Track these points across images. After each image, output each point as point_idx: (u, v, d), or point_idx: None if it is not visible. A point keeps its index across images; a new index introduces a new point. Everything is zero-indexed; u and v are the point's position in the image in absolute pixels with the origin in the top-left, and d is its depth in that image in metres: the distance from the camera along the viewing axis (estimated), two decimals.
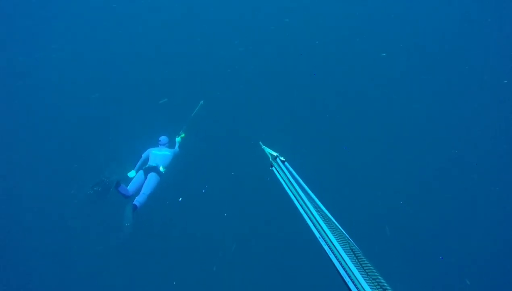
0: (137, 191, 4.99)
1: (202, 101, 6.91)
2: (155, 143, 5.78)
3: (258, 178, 5.45)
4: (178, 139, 6.11)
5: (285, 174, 2.58)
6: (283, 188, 2.42)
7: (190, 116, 6.60)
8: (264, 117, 7.05)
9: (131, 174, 5.25)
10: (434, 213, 5.83)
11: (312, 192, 2.24)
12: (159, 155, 5.47)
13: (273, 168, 2.82)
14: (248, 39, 8.97)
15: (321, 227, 1.50)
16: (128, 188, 4.90)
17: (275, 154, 2.95)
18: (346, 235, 1.43)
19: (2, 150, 6.63)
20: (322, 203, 2.12)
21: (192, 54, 8.79)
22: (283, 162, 2.81)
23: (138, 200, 4.81)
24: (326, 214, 1.72)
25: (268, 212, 5.45)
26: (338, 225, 1.55)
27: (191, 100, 7.03)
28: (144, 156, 5.57)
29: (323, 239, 1.43)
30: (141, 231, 4.88)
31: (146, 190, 4.95)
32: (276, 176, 2.66)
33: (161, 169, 5.26)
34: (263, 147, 3.25)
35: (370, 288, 1.12)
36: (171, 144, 5.93)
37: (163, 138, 5.81)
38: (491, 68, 8.03)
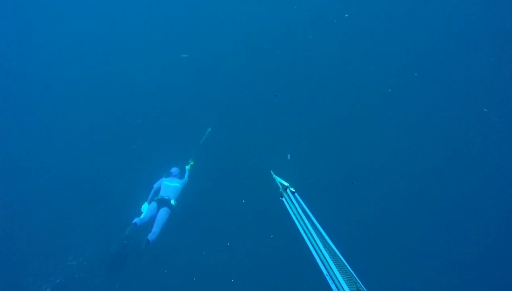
0: (150, 220, 5.08)
1: (210, 129, 7.04)
2: (166, 175, 5.89)
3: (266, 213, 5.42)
4: (187, 167, 6.21)
5: (294, 205, 2.59)
6: (292, 220, 2.41)
7: (199, 144, 6.71)
8: (275, 145, 6.95)
9: (144, 207, 5.32)
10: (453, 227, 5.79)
11: (321, 225, 2.23)
12: (171, 187, 5.57)
13: (283, 199, 2.83)
14: (257, 60, 8.74)
15: (329, 265, 1.50)
16: (141, 217, 5.04)
17: (285, 184, 2.96)
18: (354, 274, 1.41)
19: None
20: (330, 236, 2.10)
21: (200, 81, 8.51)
22: (293, 193, 2.81)
23: (150, 237, 4.89)
24: (334, 251, 1.72)
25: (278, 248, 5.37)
26: (345, 263, 1.54)
27: (199, 127, 7.08)
28: (155, 186, 5.69)
29: (331, 277, 1.42)
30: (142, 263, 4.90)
31: (157, 228, 5.03)
32: (285, 207, 2.66)
33: (172, 202, 5.35)
34: (274, 176, 3.26)
35: None
36: (181, 174, 6.04)
37: (174, 170, 5.93)
38: (491, 68, 7.91)
